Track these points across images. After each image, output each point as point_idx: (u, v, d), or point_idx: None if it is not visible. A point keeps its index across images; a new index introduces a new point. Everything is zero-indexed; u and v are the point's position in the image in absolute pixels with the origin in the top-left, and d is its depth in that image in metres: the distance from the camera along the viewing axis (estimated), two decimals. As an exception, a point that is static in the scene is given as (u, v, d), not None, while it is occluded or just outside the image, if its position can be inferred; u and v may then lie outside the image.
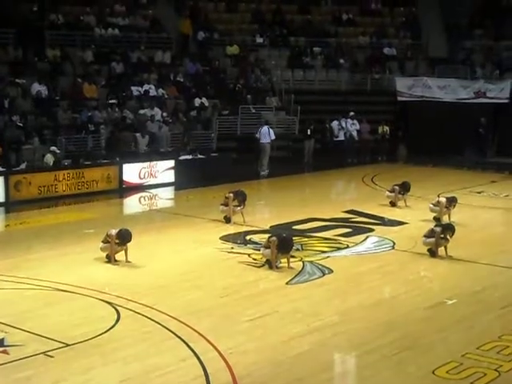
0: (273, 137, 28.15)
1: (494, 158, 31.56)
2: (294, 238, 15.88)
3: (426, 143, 30.35)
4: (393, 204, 21.28)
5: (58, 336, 11.09)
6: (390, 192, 21.42)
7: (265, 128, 28.22)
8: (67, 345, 10.84)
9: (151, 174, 24.47)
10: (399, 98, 33.46)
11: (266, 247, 15.10)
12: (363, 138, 31.73)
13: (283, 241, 14.94)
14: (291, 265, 15.07)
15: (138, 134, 26.00)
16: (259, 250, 15.68)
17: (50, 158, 22.80)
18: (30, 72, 27.56)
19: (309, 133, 30.38)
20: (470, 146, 31.79)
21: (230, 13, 36.77)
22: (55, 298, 13.18)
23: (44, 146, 23.60)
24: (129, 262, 15.24)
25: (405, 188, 21.21)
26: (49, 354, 10.53)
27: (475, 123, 31.60)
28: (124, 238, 15.21)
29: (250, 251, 16.35)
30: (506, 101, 31.78)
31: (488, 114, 32.06)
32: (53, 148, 23.14)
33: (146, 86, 29.35)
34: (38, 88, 26.49)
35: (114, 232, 15.20)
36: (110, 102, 27.20)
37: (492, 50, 35.75)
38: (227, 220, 18.92)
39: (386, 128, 32.13)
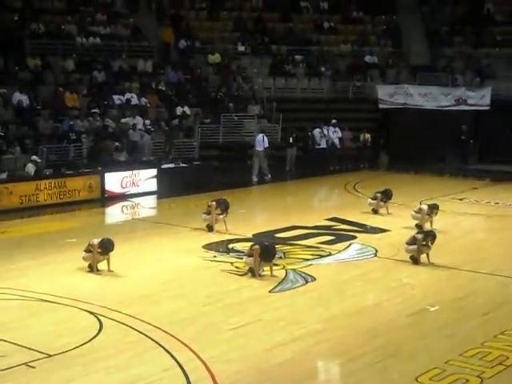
0: (266, 145, 28.39)
1: (475, 165, 31.72)
2: (276, 246, 15.89)
3: (408, 150, 30.46)
4: (375, 211, 21.32)
5: (40, 347, 11.02)
6: (372, 199, 21.48)
7: (260, 136, 28.49)
8: (49, 355, 10.77)
9: (133, 183, 24.41)
10: (381, 106, 33.58)
11: (249, 255, 15.09)
12: (345, 145, 31.80)
13: (266, 249, 14.93)
14: (274, 273, 15.06)
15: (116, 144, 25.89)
16: (242, 259, 15.67)
17: (31, 168, 22.71)
18: (11, 81, 27.49)
19: (291, 141, 30.43)
20: (452, 153, 31.95)
21: (211, 21, 36.83)
22: (37, 309, 13.11)
23: (25, 155, 23.50)
24: (111, 271, 15.19)
25: (387, 195, 21.28)
26: (31, 364, 10.46)
27: (457, 130, 31.75)
28: (106, 247, 15.15)
29: (233, 259, 16.33)
30: (487, 108, 31.96)
31: (469, 121, 32.23)
32: (34, 157, 23.04)
33: (127, 95, 29.33)
34: (19, 97, 26.42)
35: (96, 241, 15.15)
36: (93, 111, 27.14)
37: (472, 57, 35.95)
38: (210, 228, 18.90)
39: (368, 135, 32.25)
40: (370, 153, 32.30)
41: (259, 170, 28.05)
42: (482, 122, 32.42)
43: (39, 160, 23.12)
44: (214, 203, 18.85)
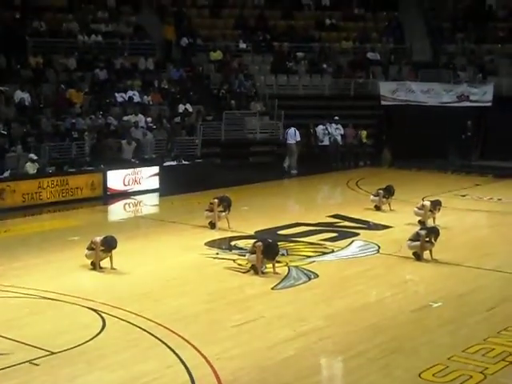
0: (298, 138, 29.58)
1: (477, 162, 31.68)
2: (279, 243, 15.89)
3: (410, 147, 30.36)
4: (377, 208, 21.33)
5: (43, 344, 11.04)
6: (375, 196, 21.48)
7: (291, 129, 29.62)
8: (52, 353, 10.79)
9: (135, 181, 24.42)
10: (383, 103, 33.50)
11: (252, 252, 15.09)
12: (348, 142, 31.76)
13: (268, 247, 14.93)
14: (277, 270, 15.06)
15: (124, 141, 25.89)
16: (244, 256, 15.67)
17: (29, 167, 22.71)
18: (13, 79, 27.49)
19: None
20: (454, 149, 31.92)
21: (213, 18, 36.79)
22: (40, 306, 13.13)
23: (27, 153, 23.49)
24: (114, 268, 15.20)
25: (389, 192, 21.28)
26: (34, 362, 10.48)
27: (461, 127, 31.69)
28: (109, 244, 15.17)
29: (236, 257, 16.34)
30: (489, 104, 31.90)
31: (472, 117, 32.17)
32: (30, 155, 23.00)
33: (129, 93, 29.31)
34: (21, 95, 26.41)
35: (98, 239, 15.16)
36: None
37: (474, 53, 35.91)
38: (212, 226, 18.91)
39: (365, 133, 32.07)
40: (369, 150, 32.18)
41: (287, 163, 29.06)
42: (484, 118, 32.38)
43: (35, 157, 23.04)
44: (216, 200, 18.85)
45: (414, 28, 37.97)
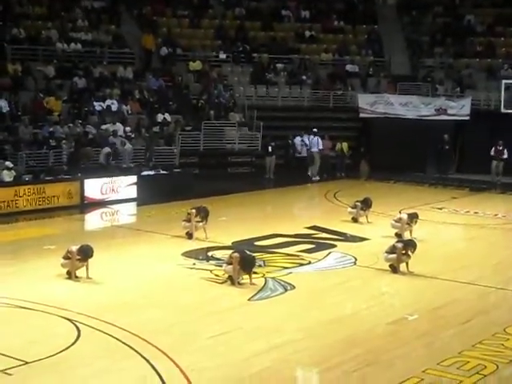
0: (321, 146, 30.84)
1: (454, 175, 31.85)
2: (256, 254, 15.91)
3: (388, 160, 30.53)
4: (355, 220, 21.38)
5: (17, 354, 10.94)
6: (352, 208, 21.53)
7: (315, 138, 30.90)
8: (26, 362, 10.70)
9: (113, 190, 24.33)
10: (361, 115, 33.64)
11: (229, 263, 15.07)
12: (325, 154, 31.83)
13: (245, 259, 14.91)
14: (253, 281, 15.04)
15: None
16: (221, 266, 15.64)
17: (5, 174, 22.58)
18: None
19: (270, 149, 30.49)
20: (432, 162, 32.08)
21: (193, 28, 36.82)
22: (15, 315, 13.03)
23: (4, 161, 23.35)
24: (90, 278, 15.11)
25: (366, 204, 21.34)
26: (7, 371, 10.39)
27: (437, 140, 31.87)
28: (85, 253, 15.09)
29: (212, 267, 16.31)
30: (467, 118, 32.11)
31: (449, 130, 32.36)
32: (7, 163, 22.88)
33: (108, 101, 29.26)
34: (-2, 103, 26.30)
35: (74, 248, 15.07)
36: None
37: (452, 67, 36.16)
38: (189, 236, 18.87)
39: (345, 144, 32.19)
40: (348, 162, 32.28)
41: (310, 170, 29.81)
42: (461, 131, 32.57)
43: (11, 165, 22.93)
44: (193, 211, 18.83)
45: (393, 41, 38.22)
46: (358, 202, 21.53)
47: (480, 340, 12.06)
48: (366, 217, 21.45)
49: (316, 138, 31.45)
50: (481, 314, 13.81)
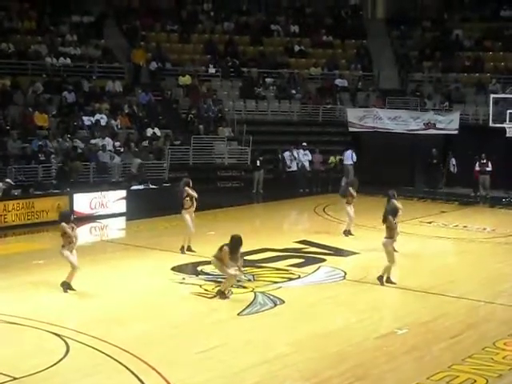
0: (354, 159, 31.56)
1: (443, 189, 31.93)
2: (245, 269, 15.91)
3: (378, 173, 30.57)
4: (345, 234, 21.50)
5: (5, 369, 10.87)
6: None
7: (348, 151, 31.59)
8: (15, 378, 10.63)
9: (102, 205, 24.29)
10: (350, 129, 33.70)
11: (218, 258, 15.05)
12: (315, 168, 31.89)
13: (233, 244, 15.00)
14: (243, 295, 15.01)
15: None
16: (210, 281, 15.60)
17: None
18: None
19: (258, 163, 30.52)
20: (421, 176, 32.17)
21: (182, 43, 36.89)
22: (3, 330, 12.97)
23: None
24: (74, 290, 15.12)
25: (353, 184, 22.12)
26: (-5, 387, 10.34)
27: (426, 154, 31.97)
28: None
29: (202, 282, 16.29)
30: (455, 132, 32.20)
31: (438, 145, 32.45)
32: (8, 180, 23.04)
33: (97, 116, 29.23)
34: (-13, 117, 26.26)
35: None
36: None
37: (441, 82, 36.32)
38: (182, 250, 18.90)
39: (338, 158, 32.34)
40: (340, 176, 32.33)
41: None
42: (450, 146, 32.66)
43: (13, 183, 23.03)
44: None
45: (381, 56, 38.38)
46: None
47: (470, 354, 12.06)
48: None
49: (306, 151, 31.63)
50: (470, 328, 13.80)
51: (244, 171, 31.18)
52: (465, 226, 24.04)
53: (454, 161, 31.81)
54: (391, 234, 16.28)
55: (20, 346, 12.09)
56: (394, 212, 16.58)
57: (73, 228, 15.49)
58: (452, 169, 31.96)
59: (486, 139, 30.59)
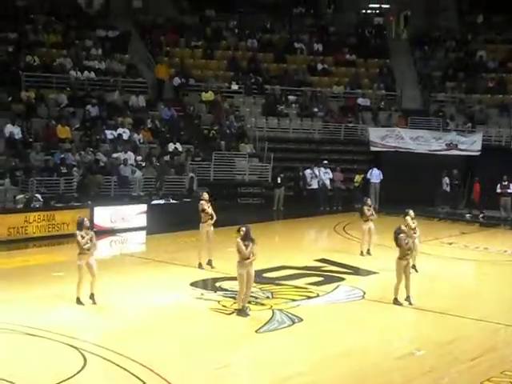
0: (381, 177, 31.77)
1: (464, 210, 31.78)
2: (264, 286, 15.95)
3: (399, 193, 30.42)
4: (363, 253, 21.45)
5: (22, 381, 10.91)
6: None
7: (375, 170, 31.88)
8: (32, 390, 10.67)
9: (123, 218, 24.35)
10: (372, 148, 33.66)
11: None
12: (336, 186, 31.86)
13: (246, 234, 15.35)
14: (261, 313, 14.98)
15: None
16: (229, 297, 15.59)
17: (20, 200, 22.72)
18: (4, 113, 27.51)
19: (279, 181, 30.54)
20: (442, 197, 32.05)
21: (206, 59, 37.06)
22: (21, 342, 13.00)
23: (15, 187, 23.46)
24: (95, 303, 15.15)
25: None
26: (13, 399, 10.36)
27: (447, 174, 31.87)
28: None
29: (220, 298, 16.27)
30: (478, 153, 32.09)
31: (460, 165, 32.34)
32: (37, 196, 23.25)
33: (120, 130, 29.38)
34: (11, 129, 26.44)
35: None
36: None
37: (464, 102, 36.23)
38: (200, 266, 18.89)
39: (362, 176, 32.29)
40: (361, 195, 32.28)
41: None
42: (472, 167, 32.53)
43: (41, 199, 23.20)
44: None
45: (404, 75, 38.36)
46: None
47: (488, 377, 11.95)
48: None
49: (327, 169, 31.61)
50: (490, 351, 13.69)
51: (265, 188, 31.21)
52: (486, 248, 23.90)
53: (447, 180, 31.88)
54: (401, 253, 16.30)
55: (38, 358, 12.11)
56: (397, 232, 16.60)
57: (87, 234, 15.45)
58: (445, 187, 31.91)
59: (508, 161, 30.46)
